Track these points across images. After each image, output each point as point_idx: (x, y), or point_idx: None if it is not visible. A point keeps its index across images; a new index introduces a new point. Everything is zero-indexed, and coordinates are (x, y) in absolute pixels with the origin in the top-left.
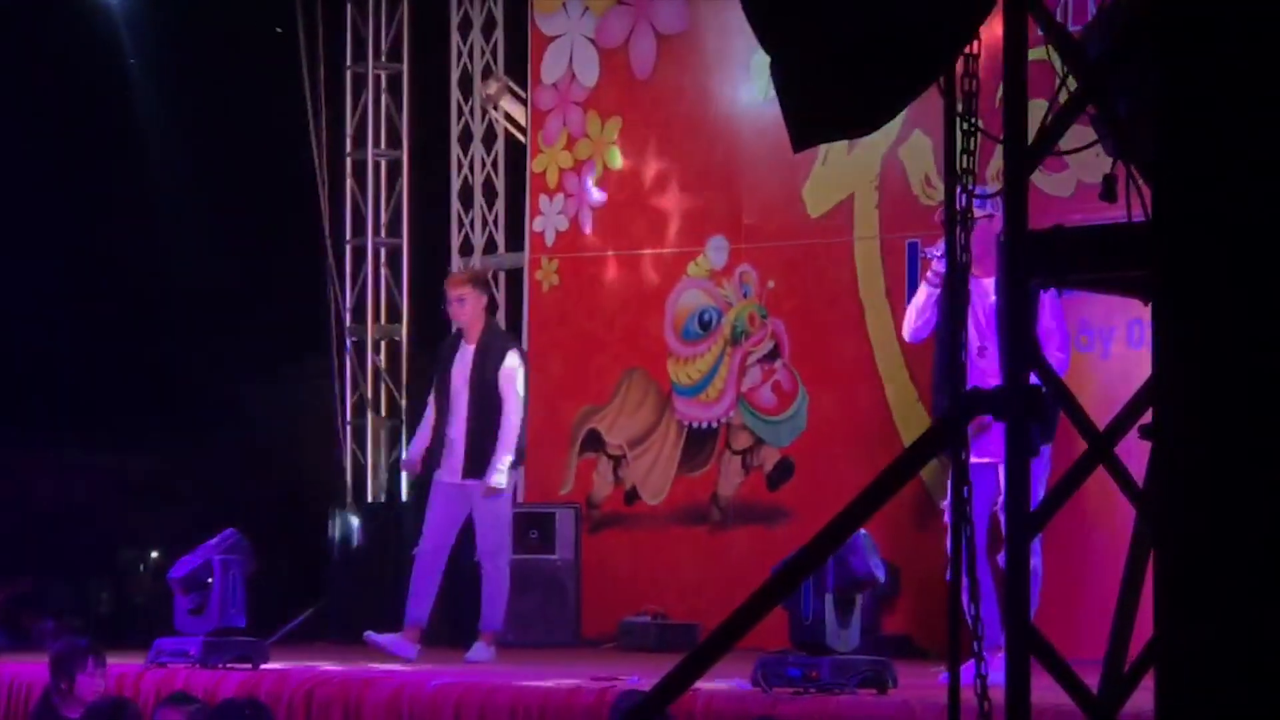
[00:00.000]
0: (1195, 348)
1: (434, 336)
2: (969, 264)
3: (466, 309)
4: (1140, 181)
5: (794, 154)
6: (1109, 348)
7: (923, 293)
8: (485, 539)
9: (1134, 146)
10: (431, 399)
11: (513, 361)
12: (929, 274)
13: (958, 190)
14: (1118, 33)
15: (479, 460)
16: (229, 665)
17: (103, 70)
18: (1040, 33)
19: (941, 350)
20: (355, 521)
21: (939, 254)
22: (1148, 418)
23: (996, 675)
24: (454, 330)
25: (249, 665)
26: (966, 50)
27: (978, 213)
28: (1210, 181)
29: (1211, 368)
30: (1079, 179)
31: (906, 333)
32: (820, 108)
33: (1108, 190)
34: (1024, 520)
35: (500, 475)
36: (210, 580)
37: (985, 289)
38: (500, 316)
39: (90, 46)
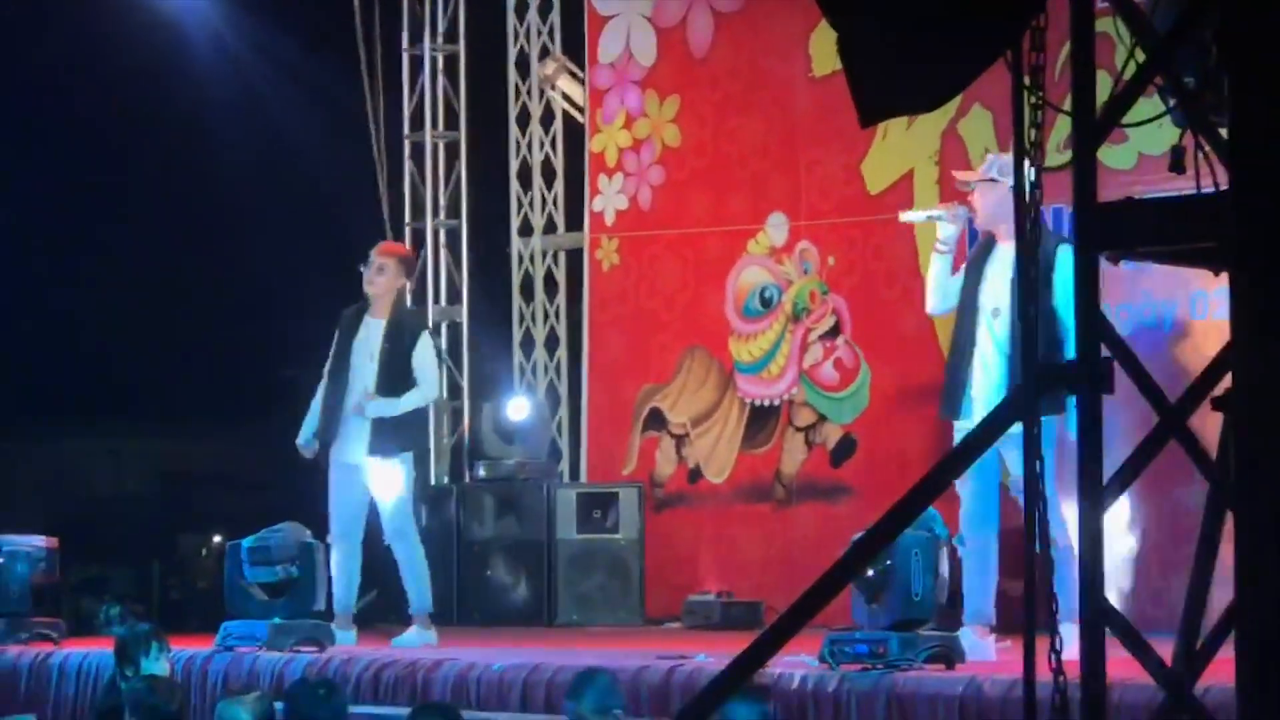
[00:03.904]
0: (1273, 317)
1: (494, 318)
2: (1036, 233)
3: (384, 279)
4: (1209, 152)
5: (861, 129)
6: (1172, 319)
7: (936, 263)
8: (390, 522)
9: (1203, 117)
10: (327, 371)
11: (428, 344)
12: (937, 243)
13: (1026, 164)
14: (1184, 3)
15: (383, 439)
16: (296, 648)
17: (160, 58)
18: (1105, 4)
19: (961, 318)
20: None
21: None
22: (1219, 389)
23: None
24: (361, 301)
25: (316, 648)
26: (1034, 23)
27: (983, 177)
28: None
29: None
30: (1140, 151)
31: (929, 307)
32: (889, 83)
33: (1176, 162)
34: (1096, 492)
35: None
36: (297, 564)
37: (1006, 254)
38: (560, 296)
39: (147, 32)
